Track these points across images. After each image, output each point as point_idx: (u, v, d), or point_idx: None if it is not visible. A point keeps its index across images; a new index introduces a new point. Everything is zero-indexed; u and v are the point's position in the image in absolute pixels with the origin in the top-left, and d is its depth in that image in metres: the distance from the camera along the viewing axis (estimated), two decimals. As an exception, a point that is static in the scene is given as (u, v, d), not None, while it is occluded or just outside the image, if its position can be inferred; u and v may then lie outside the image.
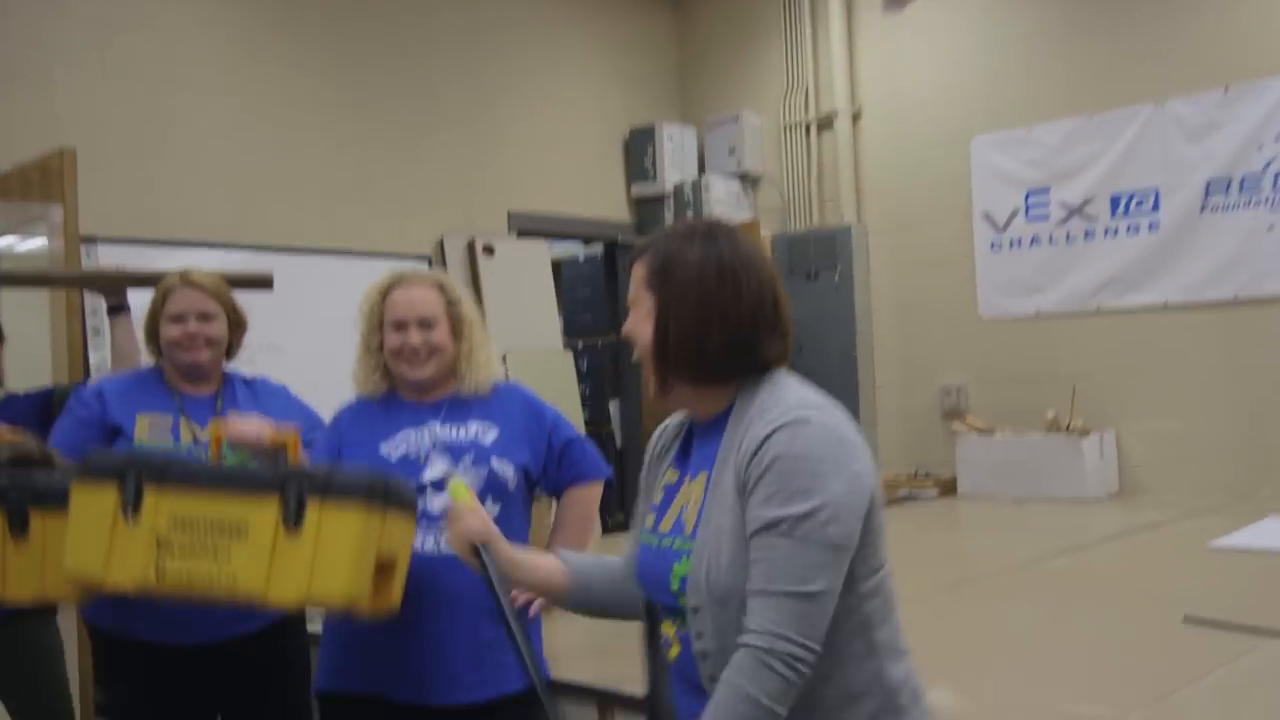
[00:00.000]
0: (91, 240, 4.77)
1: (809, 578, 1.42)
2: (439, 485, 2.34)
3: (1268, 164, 5.56)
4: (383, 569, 2.09)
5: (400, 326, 2.42)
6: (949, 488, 6.24)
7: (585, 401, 7.03)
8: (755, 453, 1.49)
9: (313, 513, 2.00)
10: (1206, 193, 5.77)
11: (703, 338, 1.57)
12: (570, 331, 7.48)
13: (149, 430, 2.61)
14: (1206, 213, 5.77)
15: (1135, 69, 5.99)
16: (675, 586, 1.56)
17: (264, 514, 2.01)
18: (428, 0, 6.45)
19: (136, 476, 2.04)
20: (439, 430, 2.42)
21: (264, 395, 2.82)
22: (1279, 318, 5.57)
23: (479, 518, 1.75)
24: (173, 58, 5.42)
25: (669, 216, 7.30)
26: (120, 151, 5.17)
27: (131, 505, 2.03)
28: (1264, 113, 5.58)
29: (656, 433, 1.80)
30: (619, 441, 7.42)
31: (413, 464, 2.37)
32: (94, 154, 4.75)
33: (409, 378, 2.44)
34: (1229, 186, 5.70)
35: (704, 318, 1.57)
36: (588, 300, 7.67)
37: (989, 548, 5.02)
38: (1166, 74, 5.86)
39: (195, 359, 2.69)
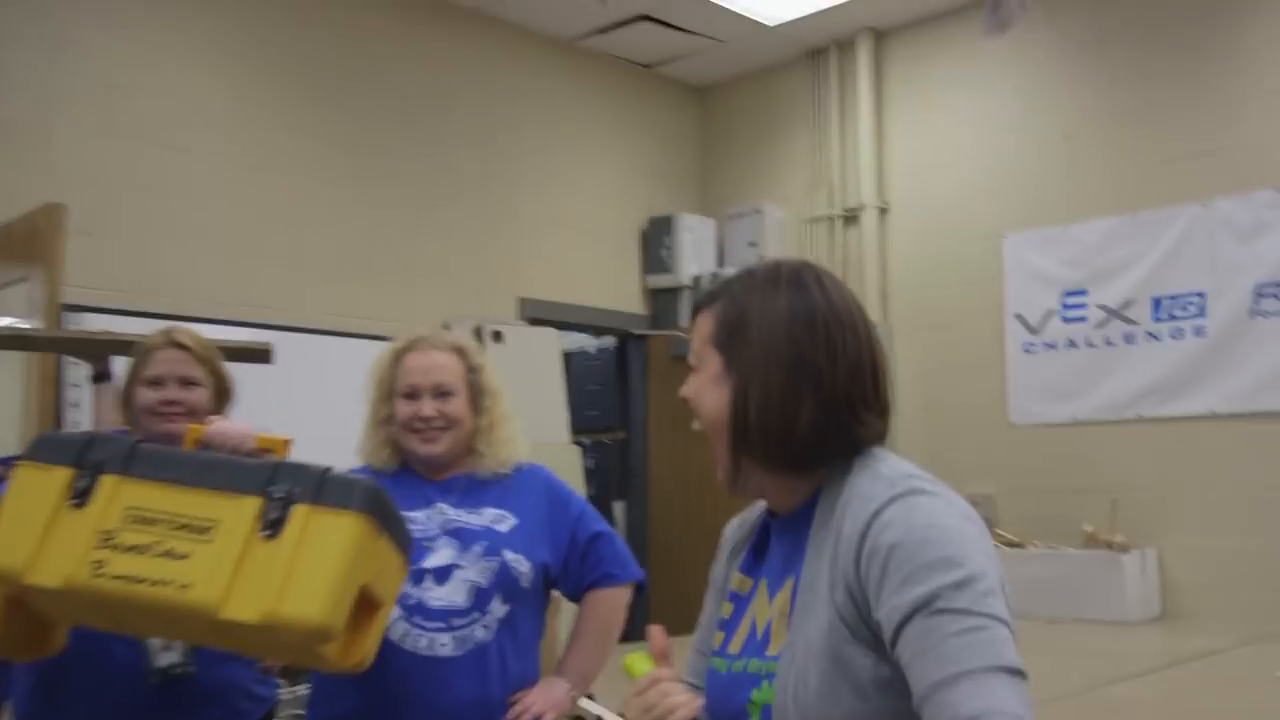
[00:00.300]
0: (77, 309, 4.48)
1: (1001, 651, 1.11)
2: (442, 574, 1.99)
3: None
4: (363, 607, 1.70)
5: (413, 395, 2.15)
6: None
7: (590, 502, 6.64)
8: (864, 536, 1.18)
9: (298, 518, 1.64)
10: (1256, 297, 5.47)
11: (793, 414, 1.25)
12: (576, 427, 7.13)
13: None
14: (1256, 317, 5.47)
15: (1180, 167, 5.75)
16: (756, 718, 1.24)
17: (239, 513, 1.64)
18: (443, 68, 6.29)
19: (97, 460, 1.68)
20: (449, 512, 2.13)
21: None
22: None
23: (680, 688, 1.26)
24: (177, 119, 5.22)
25: (684, 310, 7.02)
26: (117, 214, 4.95)
27: (83, 490, 1.66)
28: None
29: (732, 525, 1.50)
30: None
31: (415, 547, 2.02)
32: (90, 216, 4.55)
33: (420, 453, 2.15)
34: (1278, 292, 5.42)
35: (794, 389, 1.26)
36: (596, 395, 7.35)
37: (1034, 673, 4.59)
38: (1214, 173, 5.62)
39: (170, 429, 2.33)
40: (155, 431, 2.33)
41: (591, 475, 6.99)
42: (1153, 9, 5.89)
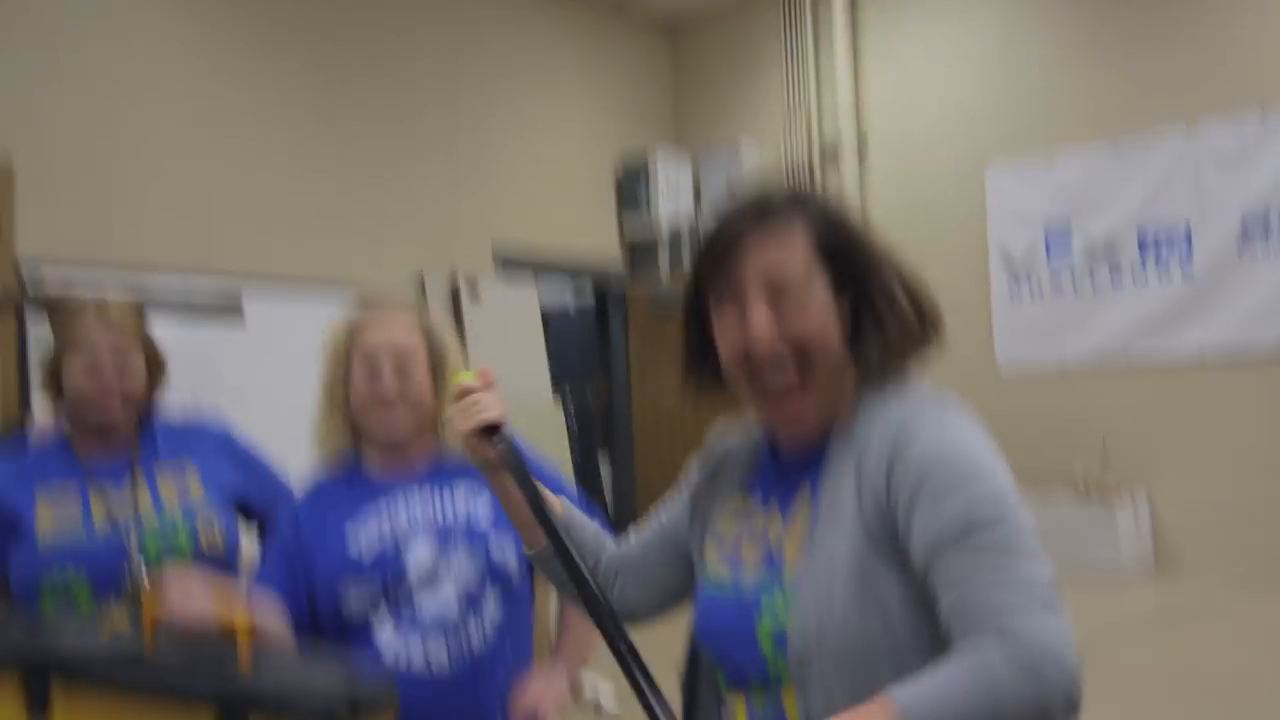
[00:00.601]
0: (34, 260, 4.33)
1: (1049, 594, 1.07)
2: (427, 580, 1.85)
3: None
4: None
5: (372, 371, 1.93)
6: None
7: (572, 456, 6.54)
8: (895, 452, 1.16)
9: None
10: (1243, 229, 5.35)
11: (909, 325, 1.24)
12: (558, 382, 7.00)
13: (53, 522, 2.07)
14: (1244, 252, 5.35)
15: (1164, 92, 5.57)
16: (768, 647, 1.19)
17: None
18: (410, 17, 6.09)
19: (43, 671, 1.53)
20: (419, 505, 1.94)
21: (200, 446, 2.27)
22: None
23: (494, 396, 1.40)
24: (132, 66, 5.01)
25: (664, 261, 6.86)
26: (70, 166, 4.74)
27: (39, 709, 1.51)
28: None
29: (713, 438, 1.45)
30: (609, 501, 6.93)
31: (390, 560, 1.88)
32: (39, 168, 4.35)
33: (380, 431, 1.95)
34: (1268, 223, 5.29)
35: (907, 302, 1.24)
36: (577, 350, 7.21)
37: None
38: (1198, 97, 5.45)
39: (109, 417, 2.14)
40: (93, 419, 2.14)
41: (575, 428, 6.87)
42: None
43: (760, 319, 1.20)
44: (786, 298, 1.21)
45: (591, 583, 1.35)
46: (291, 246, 5.42)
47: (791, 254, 1.21)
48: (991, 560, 1.07)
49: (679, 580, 1.42)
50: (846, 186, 6.66)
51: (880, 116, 6.64)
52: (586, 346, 7.17)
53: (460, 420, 1.39)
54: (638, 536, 1.49)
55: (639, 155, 6.99)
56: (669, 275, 6.76)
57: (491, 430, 1.39)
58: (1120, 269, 5.72)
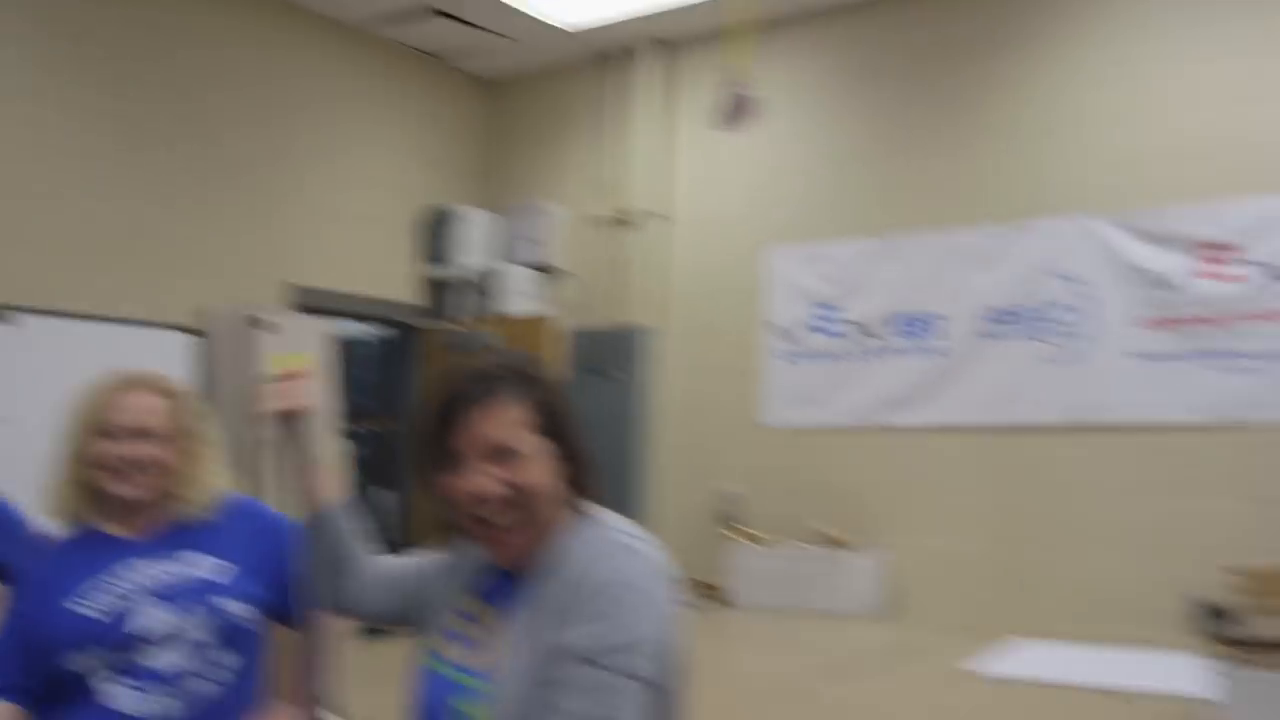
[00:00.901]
0: None
1: (615, 711, 1.36)
2: (160, 638, 1.96)
3: (1047, 301, 5.80)
4: None
5: (112, 433, 2.03)
6: (721, 595, 6.16)
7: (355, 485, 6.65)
8: (578, 583, 1.43)
9: None
10: (987, 320, 5.98)
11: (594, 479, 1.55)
12: (351, 415, 7.10)
13: None
14: (986, 339, 5.97)
15: (931, 197, 6.21)
16: None
17: None
18: (215, 40, 6.05)
19: None
20: (153, 569, 2.03)
21: None
22: (1045, 446, 5.76)
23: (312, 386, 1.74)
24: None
25: (463, 303, 7.10)
26: None
27: None
28: (1046, 250, 5.83)
29: (457, 548, 1.68)
30: (384, 529, 7.02)
31: (120, 622, 1.96)
32: None
33: (113, 492, 2.04)
34: (1009, 317, 5.92)
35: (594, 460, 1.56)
36: (372, 383, 7.33)
37: (760, 662, 4.95)
38: (960, 204, 6.10)
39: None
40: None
41: (361, 463, 6.98)
42: (913, 51, 6.32)
43: (479, 481, 1.46)
44: (506, 457, 1.47)
45: (342, 563, 1.76)
46: (70, 276, 5.29)
47: (509, 427, 1.47)
48: (589, 681, 1.36)
49: (407, 610, 1.69)
50: (643, 253, 7.07)
51: (683, 191, 7.09)
52: (381, 383, 7.30)
53: (278, 398, 1.73)
54: (400, 559, 1.79)
55: (445, 206, 7.24)
56: (470, 320, 6.99)
57: (296, 415, 1.71)
58: (878, 346, 6.29)
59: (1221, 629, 3.24)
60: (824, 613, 5.79)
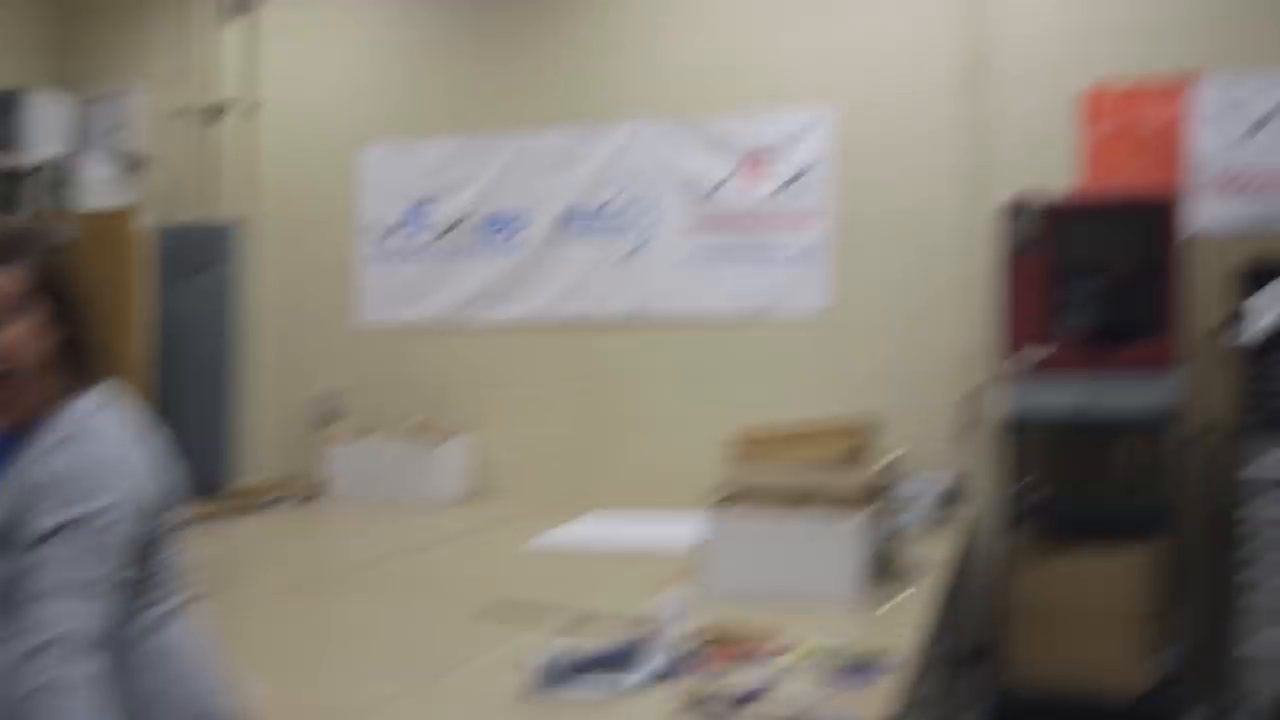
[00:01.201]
0: None
1: (92, 572, 1.47)
2: None
3: (613, 203, 6.22)
4: None
5: None
6: (317, 492, 6.30)
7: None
8: (42, 459, 1.54)
9: None
10: (566, 221, 6.33)
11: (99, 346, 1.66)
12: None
13: None
14: (564, 240, 6.34)
15: (517, 99, 6.43)
16: None
17: None
18: None
19: None
20: None
21: None
22: (612, 339, 6.25)
23: None
24: None
25: (35, 195, 6.67)
26: None
27: None
28: (614, 155, 6.22)
29: None
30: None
31: None
32: None
33: None
34: (582, 219, 6.31)
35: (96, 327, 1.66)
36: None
37: (334, 550, 5.14)
38: (543, 107, 6.37)
39: None
40: None
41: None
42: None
43: None
44: None
45: None
46: None
47: (6, 288, 1.56)
48: (57, 552, 1.46)
49: None
50: (234, 144, 6.89)
51: (273, 82, 6.92)
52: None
53: None
54: None
55: (11, 89, 6.71)
56: (43, 214, 6.59)
57: None
58: (466, 245, 6.51)
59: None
60: (418, 500, 6.04)
